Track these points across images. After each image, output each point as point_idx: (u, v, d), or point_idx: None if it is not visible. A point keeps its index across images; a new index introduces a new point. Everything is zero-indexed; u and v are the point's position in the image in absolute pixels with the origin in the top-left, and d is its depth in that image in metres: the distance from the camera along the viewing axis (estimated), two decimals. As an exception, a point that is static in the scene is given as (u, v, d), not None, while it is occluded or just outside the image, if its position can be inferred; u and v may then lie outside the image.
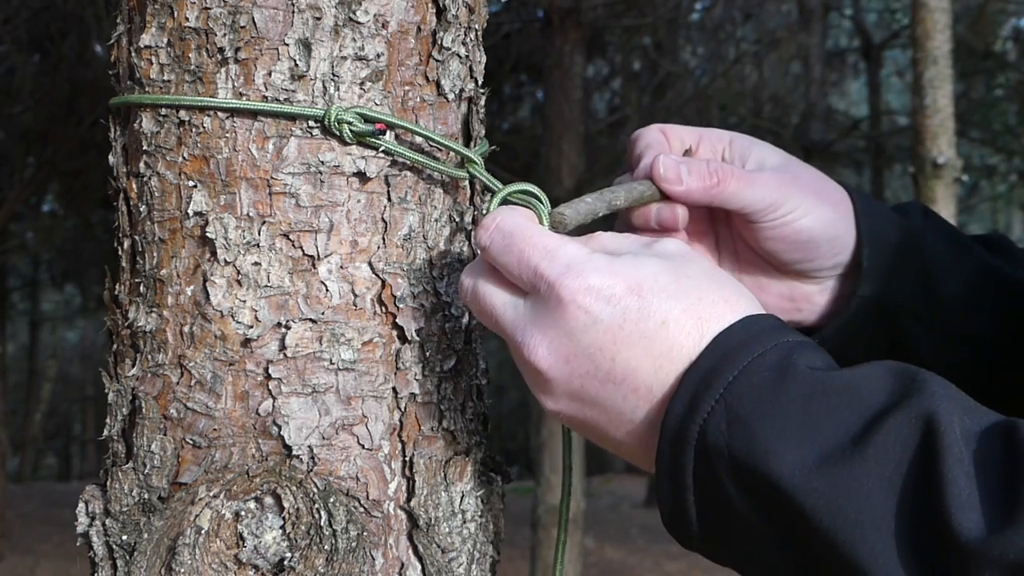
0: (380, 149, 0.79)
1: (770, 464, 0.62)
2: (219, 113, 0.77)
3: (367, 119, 0.78)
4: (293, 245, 0.77)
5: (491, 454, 0.86)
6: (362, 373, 0.79)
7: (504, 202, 0.78)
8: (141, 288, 0.80)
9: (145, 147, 0.80)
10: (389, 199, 0.80)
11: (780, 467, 0.62)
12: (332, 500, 0.76)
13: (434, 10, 0.82)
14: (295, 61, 0.77)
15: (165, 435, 0.78)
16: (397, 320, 0.80)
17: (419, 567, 0.80)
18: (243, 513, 0.75)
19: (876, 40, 11.90)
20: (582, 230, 0.77)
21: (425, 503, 0.79)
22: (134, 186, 0.81)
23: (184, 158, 0.78)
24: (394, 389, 0.80)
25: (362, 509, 0.78)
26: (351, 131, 0.77)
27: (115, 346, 0.83)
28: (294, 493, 0.75)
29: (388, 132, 0.79)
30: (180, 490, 0.77)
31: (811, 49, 10.28)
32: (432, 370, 0.81)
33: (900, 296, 0.90)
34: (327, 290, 0.78)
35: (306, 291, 0.78)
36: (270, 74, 0.77)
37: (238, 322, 0.77)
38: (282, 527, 0.75)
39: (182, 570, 0.74)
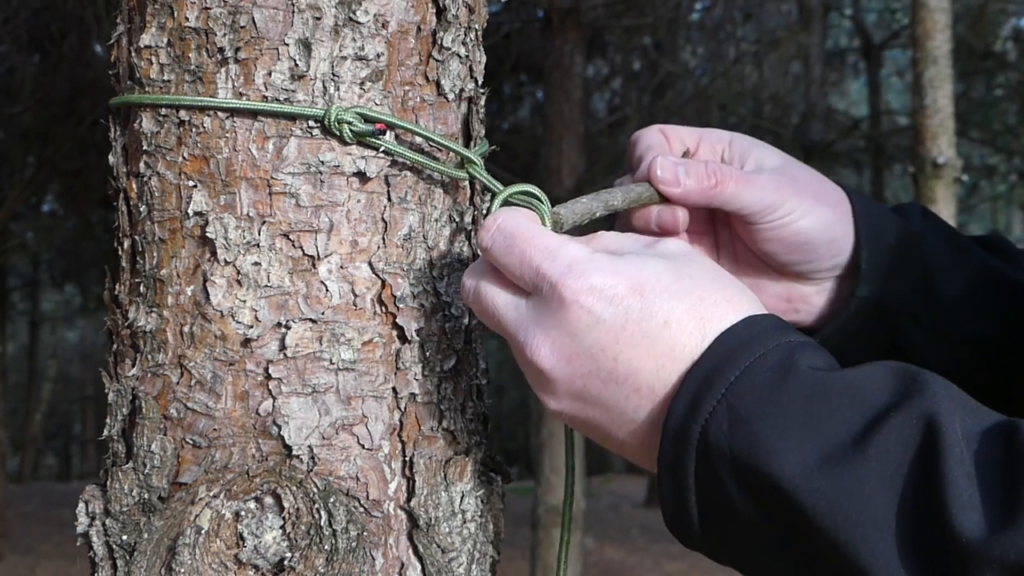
0: (380, 149, 0.79)
1: (771, 464, 0.62)
2: (219, 113, 0.77)
3: (367, 119, 0.78)
4: (293, 245, 0.77)
5: (491, 454, 0.86)
6: (362, 373, 0.78)
7: (505, 204, 0.78)
8: (141, 288, 0.80)
9: (145, 147, 0.80)
10: (389, 199, 0.80)
11: (782, 467, 0.62)
12: (332, 500, 0.76)
13: (434, 10, 0.82)
14: (295, 61, 0.77)
15: (165, 435, 0.78)
16: (397, 320, 0.80)
17: (419, 567, 0.80)
18: (243, 513, 0.75)
19: (876, 40, 11.90)
20: (581, 231, 0.77)
21: (425, 503, 0.79)
22: (134, 186, 0.81)
23: (184, 158, 0.78)
24: (394, 389, 0.80)
25: (362, 509, 0.78)
26: (351, 131, 0.77)
27: (115, 346, 0.83)
28: (294, 493, 0.75)
29: (388, 132, 0.79)
30: (180, 490, 0.76)
31: (811, 49, 10.28)
32: (432, 370, 0.81)
33: (899, 297, 0.90)
34: (327, 290, 0.78)
35: (306, 291, 0.78)
36: (270, 74, 0.77)
37: (238, 322, 0.77)
38: (282, 527, 0.75)
39: (182, 570, 0.74)
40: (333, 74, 0.78)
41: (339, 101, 0.78)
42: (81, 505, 0.79)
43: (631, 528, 11.19)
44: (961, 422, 0.60)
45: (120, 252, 0.83)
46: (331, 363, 0.77)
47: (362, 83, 0.79)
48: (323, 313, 0.78)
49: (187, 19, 0.77)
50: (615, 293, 0.68)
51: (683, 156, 0.89)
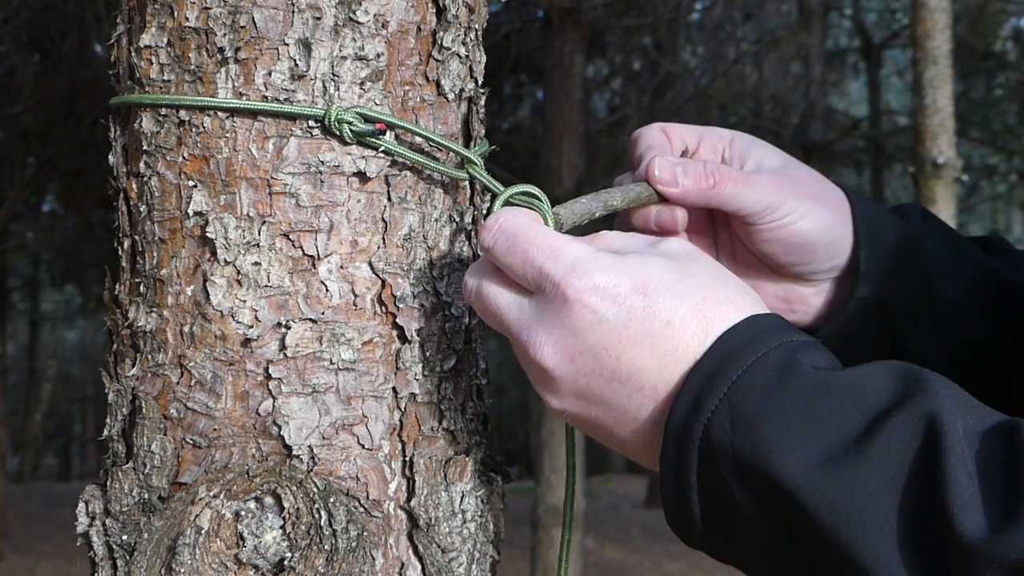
0: (380, 149, 0.79)
1: (773, 463, 0.62)
2: (219, 113, 0.77)
3: (367, 119, 0.78)
4: (293, 245, 0.77)
5: (491, 454, 0.86)
6: (362, 373, 0.78)
7: (506, 204, 0.78)
8: (141, 288, 0.80)
9: (145, 147, 0.80)
10: (389, 199, 0.80)
11: (783, 466, 0.62)
12: (332, 500, 0.75)
13: (434, 10, 0.82)
14: (295, 61, 0.77)
15: (165, 435, 0.78)
16: (397, 320, 0.80)
17: (419, 567, 0.80)
18: (243, 513, 0.75)
19: (876, 40, 11.90)
20: (582, 231, 0.77)
21: (425, 503, 0.79)
22: (134, 186, 0.81)
23: (184, 158, 0.78)
24: (394, 389, 0.80)
25: (362, 509, 0.78)
26: (351, 131, 0.77)
27: (115, 346, 0.83)
28: (294, 493, 0.75)
29: (388, 132, 0.79)
30: (180, 490, 0.76)
31: (811, 49, 10.28)
32: (432, 370, 0.81)
33: (899, 298, 0.90)
34: (327, 290, 0.78)
35: (306, 291, 0.78)
36: (270, 74, 0.77)
37: (238, 322, 0.77)
38: (282, 527, 0.75)
39: (182, 570, 0.74)
40: (333, 74, 0.78)
41: (339, 101, 0.78)
42: (81, 505, 0.79)
43: (631, 528, 11.19)
44: (963, 422, 0.60)
45: (120, 252, 0.83)
46: (331, 363, 0.77)
47: (362, 83, 0.79)
48: (323, 313, 0.78)
49: (187, 19, 0.77)
50: (618, 292, 0.68)
51: (683, 155, 0.88)
